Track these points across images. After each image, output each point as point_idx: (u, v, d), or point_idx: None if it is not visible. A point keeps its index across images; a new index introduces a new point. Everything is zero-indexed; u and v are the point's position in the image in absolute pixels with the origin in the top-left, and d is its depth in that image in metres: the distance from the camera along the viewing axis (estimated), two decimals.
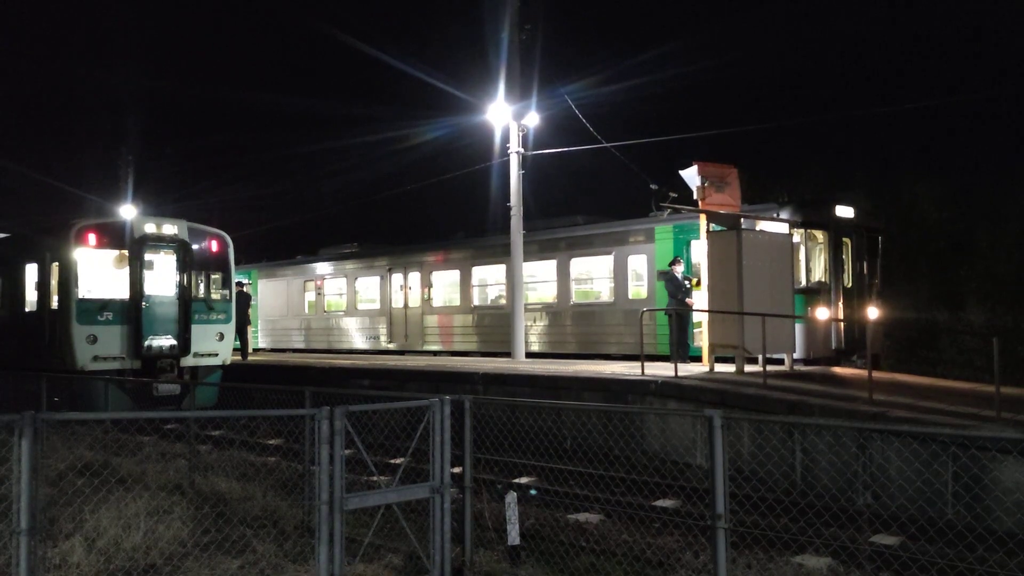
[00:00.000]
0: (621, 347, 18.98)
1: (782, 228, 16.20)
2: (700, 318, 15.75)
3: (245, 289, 23.43)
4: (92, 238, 16.79)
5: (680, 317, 16.08)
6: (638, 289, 19.23)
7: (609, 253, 19.74)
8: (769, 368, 13.27)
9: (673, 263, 16.54)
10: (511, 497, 7.33)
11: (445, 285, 23.98)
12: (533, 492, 10.35)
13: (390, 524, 7.34)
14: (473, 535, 7.21)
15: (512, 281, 20.08)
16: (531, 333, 20.94)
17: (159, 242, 17.21)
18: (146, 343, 16.73)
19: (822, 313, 16.61)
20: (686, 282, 16.50)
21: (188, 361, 17.32)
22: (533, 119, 20.18)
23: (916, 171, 33.42)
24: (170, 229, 17.42)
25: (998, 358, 10.10)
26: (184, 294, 17.26)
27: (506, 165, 20.49)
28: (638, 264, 19.20)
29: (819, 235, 17.16)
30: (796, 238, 16.39)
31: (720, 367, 14.71)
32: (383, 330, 25.38)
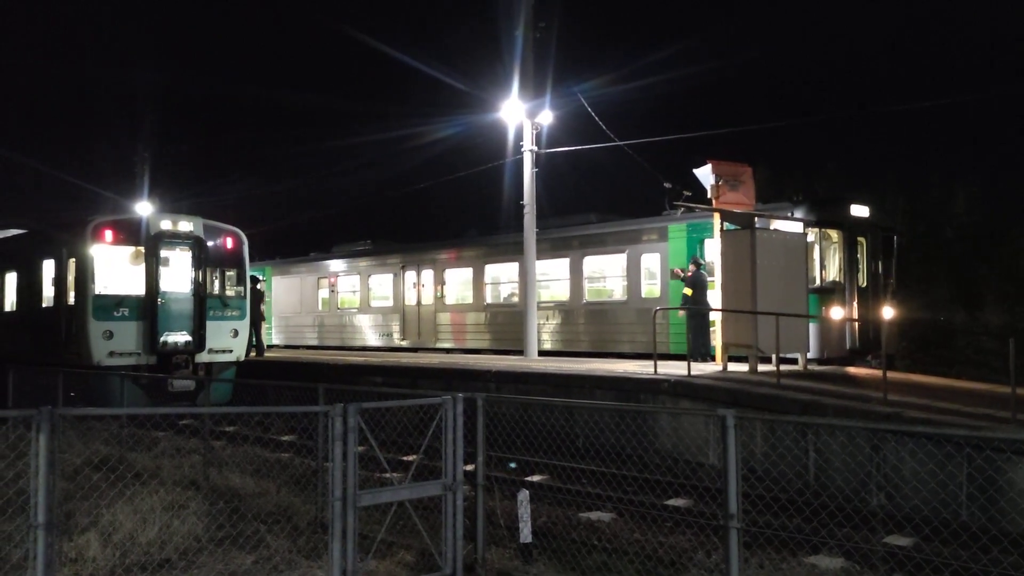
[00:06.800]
0: (634, 346, 18.95)
1: (796, 227, 16.13)
2: (714, 317, 15.70)
3: (259, 287, 23.53)
4: (108, 234, 16.91)
5: (701, 316, 16.03)
6: (651, 288, 19.19)
7: (622, 251, 19.71)
8: (783, 368, 13.22)
9: (693, 263, 16.48)
10: (523, 495, 7.34)
11: (458, 283, 24.01)
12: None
13: (403, 521, 7.37)
14: (485, 533, 7.22)
15: (525, 279, 20.08)
16: (544, 331, 20.93)
17: (175, 239, 17.31)
18: (161, 339, 16.84)
19: (836, 313, 16.53)
20: (703, 276, 16.42)
21: (203, 357, 17.43)
22: (547, 117, 20.16)
23: (942, 170, 33.24)
24: (186, 226, 17.53)
25: (1014, 359, 10.03)
26: (199, 291, 17.36)
27: (519, 163, 20.49)
28: (651, 263, 19.16)
29: (834, 234, 17.08)
30: (811, 237, 16.32)
31: (733, 366, 14.66)
32: (396, 327, 25.45)
